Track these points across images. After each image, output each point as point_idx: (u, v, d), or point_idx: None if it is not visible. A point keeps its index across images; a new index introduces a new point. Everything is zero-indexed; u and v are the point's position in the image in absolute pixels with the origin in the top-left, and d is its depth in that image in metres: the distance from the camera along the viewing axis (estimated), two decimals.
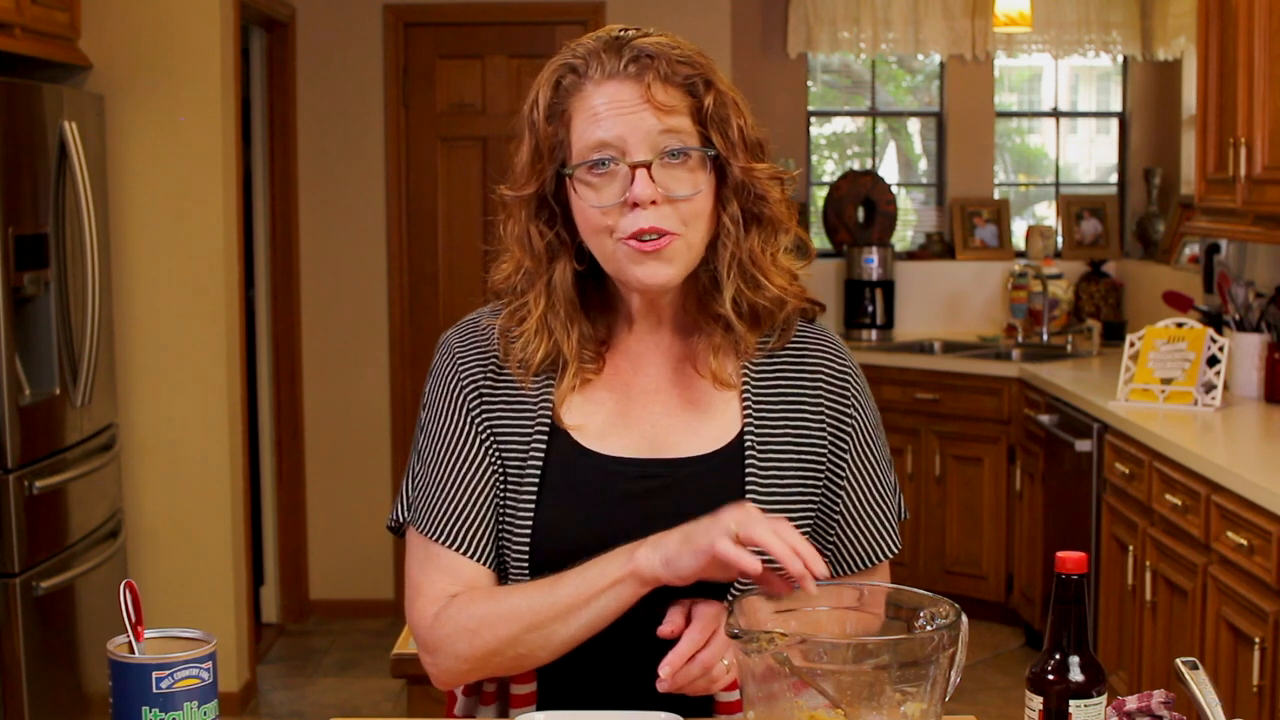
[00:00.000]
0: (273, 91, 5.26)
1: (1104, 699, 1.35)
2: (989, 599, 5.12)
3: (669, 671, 1.40)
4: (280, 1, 5.10)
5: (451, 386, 1.59)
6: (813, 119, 6.16)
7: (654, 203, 1.46)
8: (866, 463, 1.61)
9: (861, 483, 1.60)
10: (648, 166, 1.46)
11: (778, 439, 1.57)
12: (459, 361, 1.60)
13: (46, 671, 3.52)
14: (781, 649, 1.21)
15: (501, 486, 1.56)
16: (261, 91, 5.25)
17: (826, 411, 1.59)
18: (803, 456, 1.57)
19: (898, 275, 5.91)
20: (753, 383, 1.59)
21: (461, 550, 1.55)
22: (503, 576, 1.57)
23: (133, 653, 1.30)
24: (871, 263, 5.82)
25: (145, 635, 1.32)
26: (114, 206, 4.15)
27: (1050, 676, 1.35)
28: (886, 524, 1.62)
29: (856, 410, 1.61)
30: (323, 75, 5.33)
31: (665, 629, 1.42)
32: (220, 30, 4.22)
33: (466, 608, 1.52)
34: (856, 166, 6.23)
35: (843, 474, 1.59)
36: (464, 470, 1.56)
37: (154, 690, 1.27)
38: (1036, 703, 1.35)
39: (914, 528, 5.30)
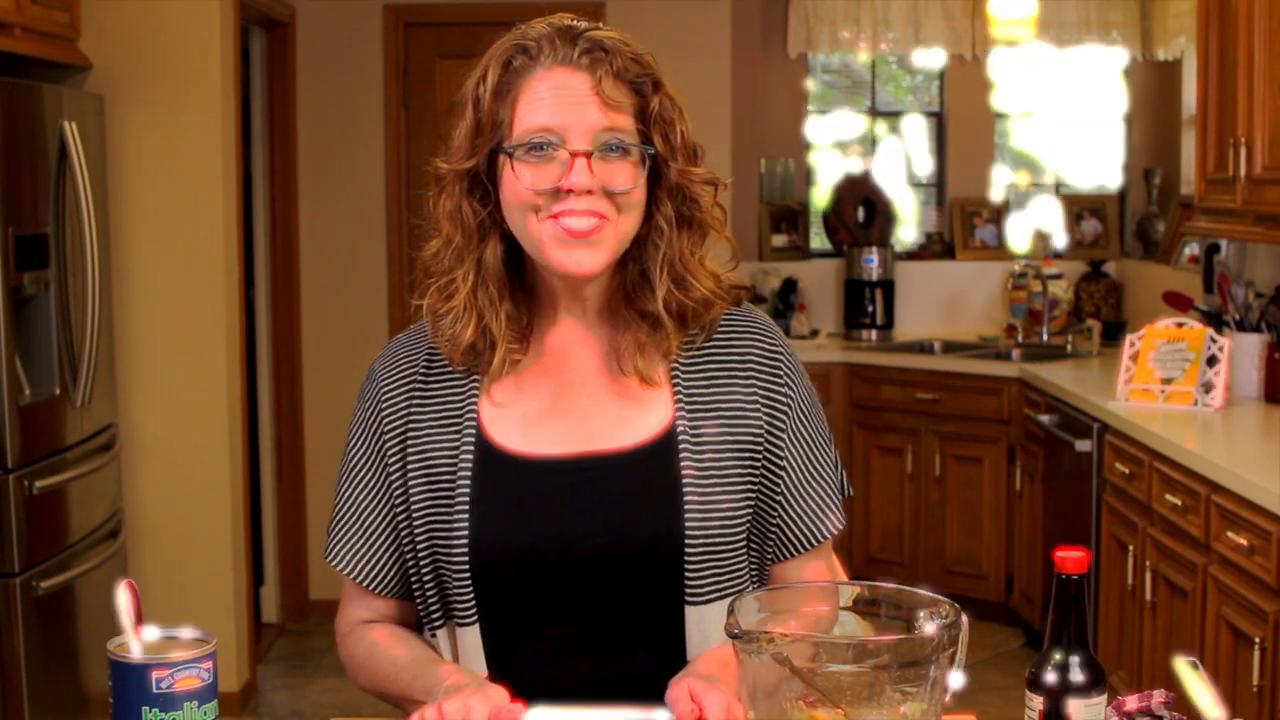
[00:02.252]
0: (273, 91, 5.26)
1: (1104, 699, 1.35)
2: (989, 599, 5.12)
3: None
4: (280, 1, 5.10)
5: (370, 416, 1.60)
6: (813, 119, 6.16)
7: (590, 192, 1.47)
8: (805, 440, 1.59)
9: (801, 461, 1.59)
10: (587, 156, 1.47)
11: (711, 425, 1.55)
12: (381, 387, 1.61)
13: (46, 671, 3.52)
14: (781, 649, 1.21)
15: (421, 513, 1.55)
16: (261, 91, 5.25)
17: (760, 392, 1.58)
18: (739, 440, 1.56)
19: (898, 275, 5.91)
20: (682, 370, 1.57)
21: (364, 584, 1.62)
22: (444, 587, 1.56)
23: (133, 653, 1.30)
24: (871, 263, 5.81)
25: (145, 635, 1.32)
26: (114, 206, 4.15)
27: (1050, 676, 1.35)
28: (829, 501, 1.61)
29: (790, 388, 1.59)
30: (323, 75, 5.33)
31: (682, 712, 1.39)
32: (220, 30, 4.22)
33: (356, 645, 1.64)
34: (856, 166, 6.23)
35: (781, 453, 1.57)
36: (368, 506, 1.60)
37: (154, 690, 1.27)
38: (1036, 703, 1.35)
39: (914, 528, 5.30)
